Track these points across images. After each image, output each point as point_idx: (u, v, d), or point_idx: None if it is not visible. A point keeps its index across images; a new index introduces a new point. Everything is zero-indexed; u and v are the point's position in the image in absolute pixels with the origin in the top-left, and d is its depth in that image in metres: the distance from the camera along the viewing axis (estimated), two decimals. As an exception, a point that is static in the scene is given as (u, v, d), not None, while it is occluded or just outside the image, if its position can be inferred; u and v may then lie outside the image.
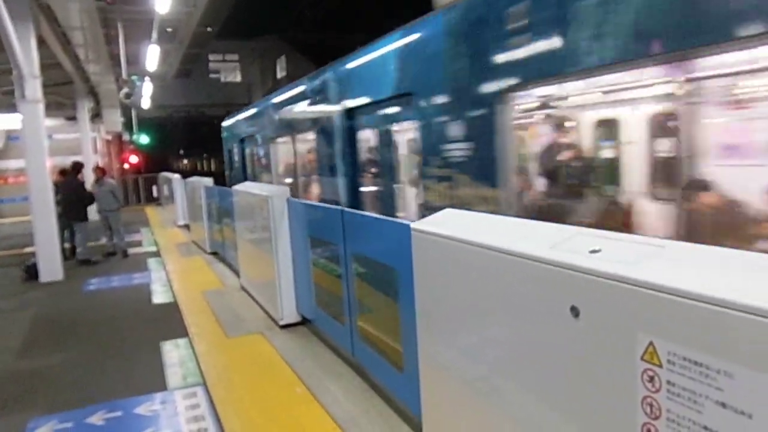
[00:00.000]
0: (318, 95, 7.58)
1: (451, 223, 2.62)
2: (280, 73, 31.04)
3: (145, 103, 21.77)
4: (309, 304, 5.13)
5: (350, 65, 6.52)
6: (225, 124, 14.82)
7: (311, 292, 5.03)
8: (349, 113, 6.49)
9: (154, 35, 12.01)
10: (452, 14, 4.51)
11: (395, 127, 5.93)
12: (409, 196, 6.05)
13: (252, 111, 12.01)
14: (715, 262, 1.52)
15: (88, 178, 11.79)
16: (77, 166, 10.18)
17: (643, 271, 1.53)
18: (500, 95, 3.94)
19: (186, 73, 19.53)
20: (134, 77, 15.62)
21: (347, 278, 4.12)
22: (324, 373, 4.27)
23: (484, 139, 4.12)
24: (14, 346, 5.54)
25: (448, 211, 2.88)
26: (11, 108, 12.09)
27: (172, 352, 5.05)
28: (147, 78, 17.66)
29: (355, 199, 6.67)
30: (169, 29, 12.40)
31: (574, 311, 1.73)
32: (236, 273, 7.80)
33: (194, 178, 11.84)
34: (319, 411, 3.67)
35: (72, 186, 9.79)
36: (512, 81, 3.85)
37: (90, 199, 10.19)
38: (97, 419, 3.82)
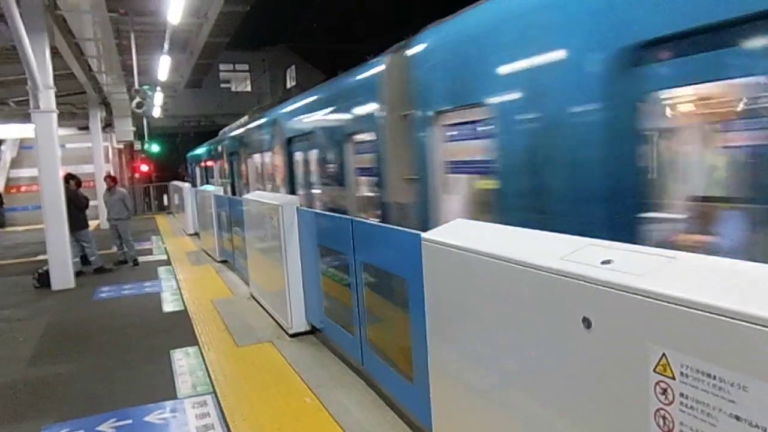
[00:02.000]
0: None
1: (462, 233, 2.62)
2: (290, 83, 31.26)
3: (157, 113, 21.96)
4: (318, 313, 5.14)
5: None
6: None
7: (321, 301, 5.04)
8: None
9: (166, 46, 12.13)
10: None
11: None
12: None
13: None
14: (727, 273, 1.52)
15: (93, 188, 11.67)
16: (67, 177, 9.98)
17: (655, 283, 1.53)
18: None
19: (197, 83, 19.71)
20: (146, 87, 15.77)
21: (357, 288, 4.12)
22: (334, 383, 4.27)
23: None
24: (26, 353, 5.59)
25: (459, 221, 2.88)
26: (25, 118, 12.27)
27: (182, 360, 5.07)
28: (158, 88, 17.84)
29: None
30: (181, 39, 12.55)
31: (586, 322, 1.73)
32: (246, 282, 7.83)
33: (205, 187, 11.93)
34: (329, 421, 3.67)
35: (68, 195, 9.52)
36: None
37: (86, 202, 10.09)
38: (107, 427, 3.84)
